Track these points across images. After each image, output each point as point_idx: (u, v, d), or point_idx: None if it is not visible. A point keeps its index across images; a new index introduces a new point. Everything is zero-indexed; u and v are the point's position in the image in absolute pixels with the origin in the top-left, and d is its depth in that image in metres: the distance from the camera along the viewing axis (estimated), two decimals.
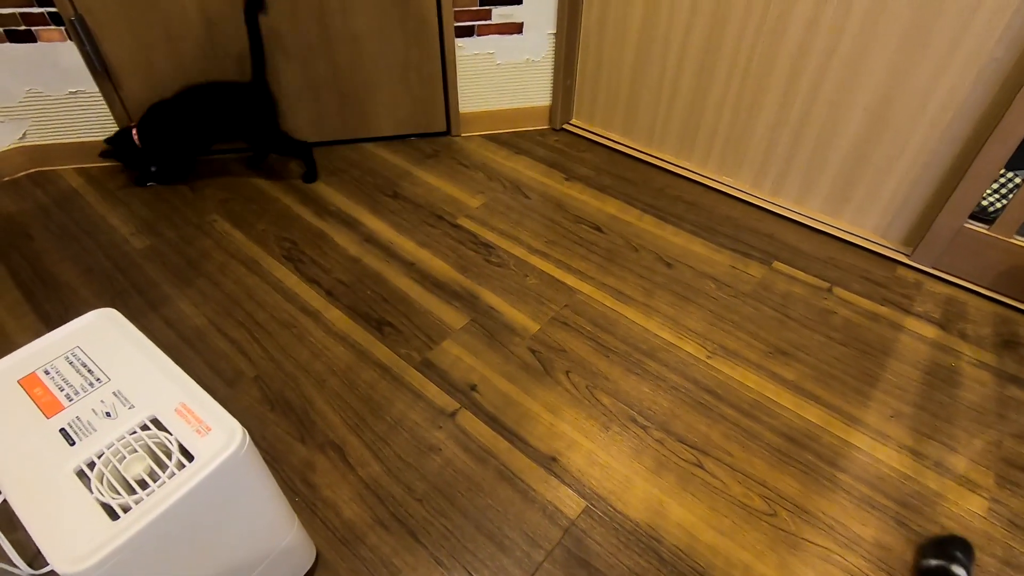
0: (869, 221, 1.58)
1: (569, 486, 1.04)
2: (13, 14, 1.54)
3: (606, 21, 1.78)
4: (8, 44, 1.58)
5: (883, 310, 1.39)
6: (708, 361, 1.27)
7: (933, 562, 0.92)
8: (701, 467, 1.08)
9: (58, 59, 1.63)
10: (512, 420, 1.15)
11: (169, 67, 1.70)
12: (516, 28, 1.84)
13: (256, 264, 1.49)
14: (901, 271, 1.51)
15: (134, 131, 1.62)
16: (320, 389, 1.19)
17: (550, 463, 1.08)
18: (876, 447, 1.11)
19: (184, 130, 1.64)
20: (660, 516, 1.00)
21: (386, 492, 1.03)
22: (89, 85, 1.69)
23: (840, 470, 1.08)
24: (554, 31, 1.85)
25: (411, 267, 1.49)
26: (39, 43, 1.60)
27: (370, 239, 1.58)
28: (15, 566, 0.86)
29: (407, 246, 1.56)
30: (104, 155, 1.67)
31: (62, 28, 1.58)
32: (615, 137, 1.99)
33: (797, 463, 1.08)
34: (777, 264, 1.52)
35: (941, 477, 1.07)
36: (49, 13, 1.56)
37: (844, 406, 1.19)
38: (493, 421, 1.14)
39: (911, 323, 1.36)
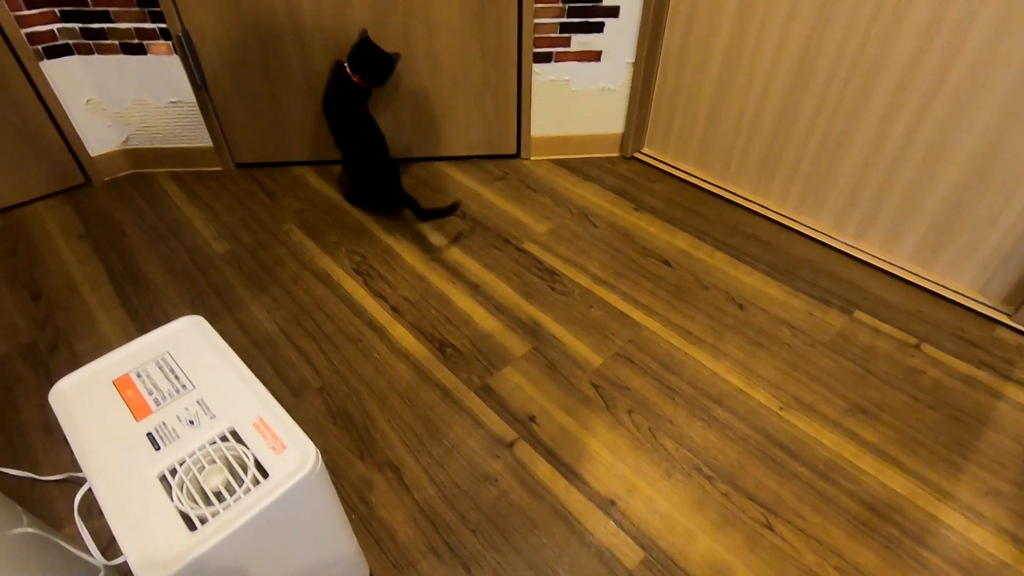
0: (965, 275, 1.47)
1: (627, 533, 1.00)
2: (129, 29, 1.67)
3: (687, 52, 1.75)
4: (122, 56, 1.71)
5: (980, 374, 1.28)
6: (780, 413, 1.20)
7: None
8: (770, 528, 1.01)
9: (163, 71, 1.75)
10: (571, 456, 1.12)
11: (263, 85, 1.79)
12: (594, 56, 1.84)
13: (327, 275, 1.53)
14: (1001, 332, 1.39)
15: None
16: (381, 406, 1.20)
17: (608, 506, 1.04)
18: (970, 527, 1.02)
19: None
20: None
21: (440, 519, 1.02)
22: (188, 96, 1.80)
23: (927, 549, 0.99)
24: (632, 60, 1.84)
25: (476, 289, 1.49)
26: (148, 55, 1.72)
27: (437, 258, 1.59)
28: (90, 554, 0.90)
29: (472, 267, 1.56)
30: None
31: (169, 43, 1.70)
32: (688, 169, 1.94)
33: (878, 536, 1.00)
34: (859, 314, 1.44)
35: None
36: (160, 28, 1.67)
37: (933, 477, 1.09)
38: (551, 456, 1.12)
39: (1012, 391, 1.25)
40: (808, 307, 1.45)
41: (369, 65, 1.60)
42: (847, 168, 1.55)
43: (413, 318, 1.41)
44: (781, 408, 1.21)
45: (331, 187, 1.88)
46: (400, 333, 1.37)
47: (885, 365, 1.31)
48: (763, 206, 1.78)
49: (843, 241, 1.64)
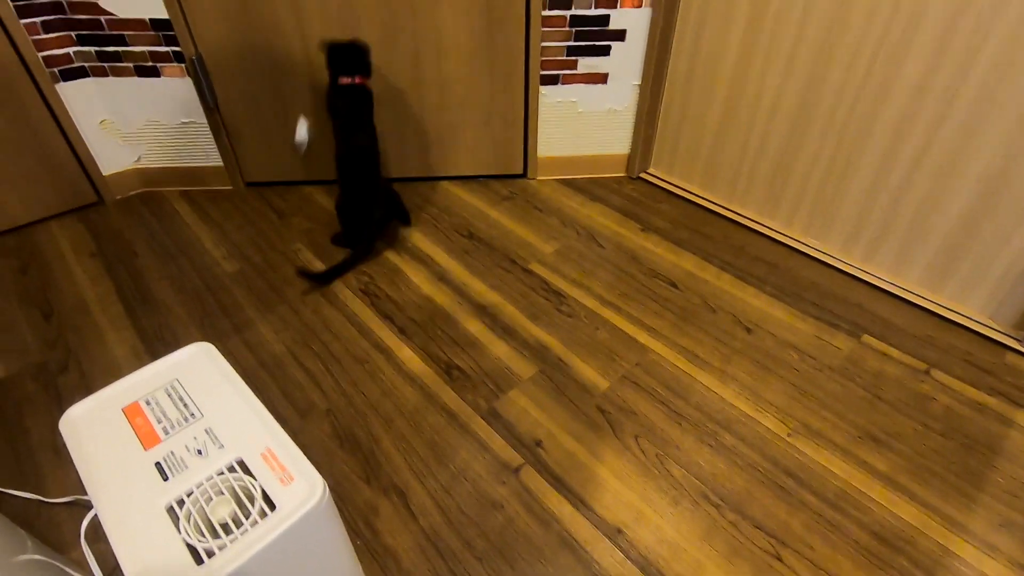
0: (975, 299, 1.46)
1: (634, 562, 0.99)
2: (143, 52, 1.70)
3: (693, 75, 1.77)
4: (136, 78, 1.74)
5: (991, 401, 1.27)
6: (788, 440, 1.19)
7: None
8: (779, 559, 1.00)
9: (176, 93, 1.78)
10: (577, 483, 1.11)
11: (273, 106, 1.82)
12: (601, 78, 1.86)
13: (334, 295, 1.54)
14: (1011, 358, 1.37)
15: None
16: (387, 429, 1.20)
17: (616, 535, 1.03)
18: (983, 560, 1.00)
19: None
20: None
21: (446, 546, 1.01)
22: (200, 117, 1.83)
23: None
24: (639, 82, 1.86)
25: (482, 311, 1.50)
26: (162, 77, 1.75)
27: (443, 278, 1.60)
28: None
29: (479, 288, 1.57)
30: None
31: (183, 65, 1.73)
32: (694, 190, 1.95)
33: (889, 568, 0.99)
34: (867, 338, 1.43)
35: None
36: (173, 52, 1.70)
37: (944, 507, 1.08)
38: (558, 482, 1.11)
39: None
40: (816, 331, 1.44)
41: (357, 60, 1.57)
42: (855, 190, 1.55)
43: (420, 340, 1.41)
44: (789, 435, 1.20)
45: None
46: (407, 355, 1.37)
47: (895, 391, 1.29)
48: (770, 227, 1.78)
49: (851, 264, 1.64)
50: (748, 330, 1.44)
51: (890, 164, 1.46)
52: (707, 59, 1.71)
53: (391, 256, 1.68)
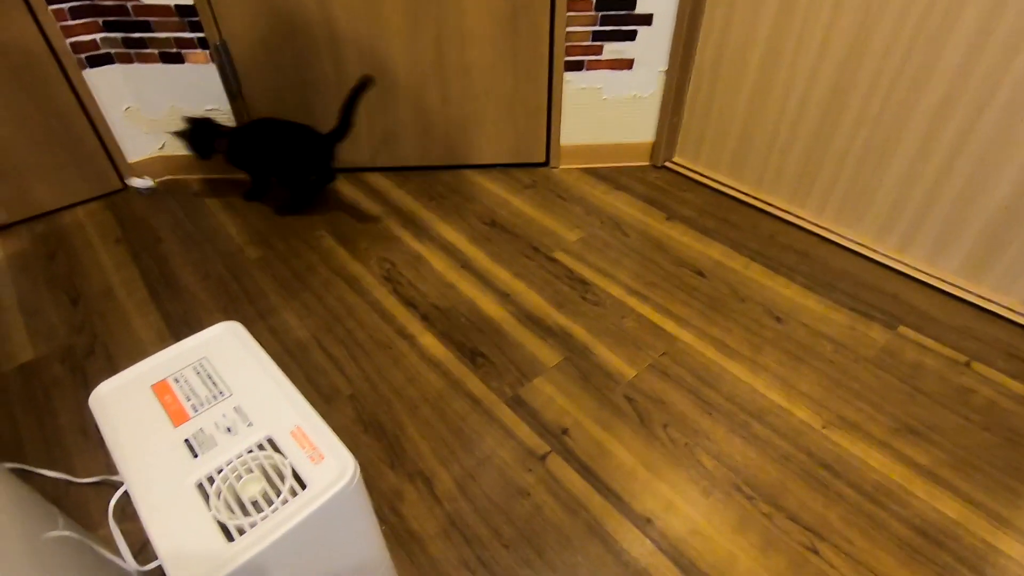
0: (1017, 290, 1.40)
1: (666, 553, 0.97)
2: (168, 38, 1.70)
3: (722, 60, 1.72)
4: (160, 64, 1.75)
5: None
6: (823, 431, 1.16)
7: None
8: (816, 552, 0.97)
9: (200, 79, 1.78)
10: (605, 472, 1.09)
11: (297, 94, 1.81)
12: (627, 64, 1.82)
13: (357, 282, 1.53)
14: None
15: (222, 140, 1.70)
16: (412, 415, 1.19)
17: (645, 525, 1.01)
18: None
19: (251, 159, 1.75)
20: None
21: (472, 533, 0.99)
22: (224, 104, 1.83)
23: None
24: (665, 68, 1.82)
25: (505, 298, 1.48)
26: (186, 64, 1.75)
27: (467, 266, 1.58)
28: (122, 559, 0.90)
29: (502, 276, 1.55)
30: (181, 134, 1.72)
31: (207, 51, 1.73)
32: (720, 178, 1.91)
33: (933, 564, 0.95)
34: (903, 329, 1.38)
35: None
36: (198, 38, 1.70)
37: (989, 503, 1.04)
38: (585, 470, 1.09)
39: None
40: (850, 321, 1.40)
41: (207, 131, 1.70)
42: (890, 179, 1.51)
43: (443, 326, 1.39)
44: (824, 426, 1.16)
45: (362, 194, 1.89)
46: (430, 341, 1.35)
47: (934, 383, 1.25)
48: (799, 216, 1.73)
49: (884, 253, 1.59)
50: (779, 320, 1.41)
51: (929, 150, 1.41)
52: (736, 43, 1.67)
53: (413, 243, 1.66)
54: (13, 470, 1.10)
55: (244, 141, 1.71)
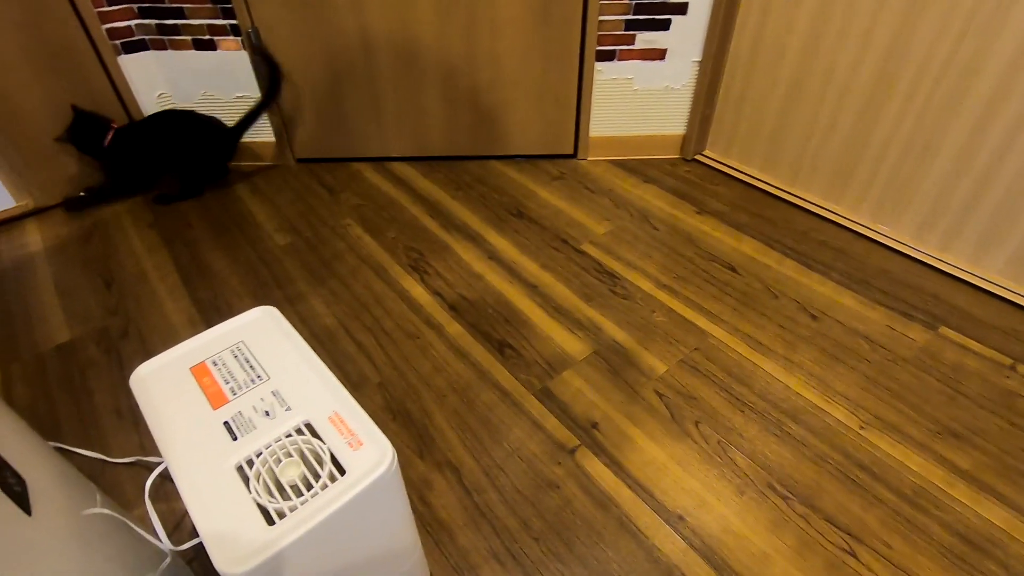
0: None
1: (697, 551, 0.95)
2: (201, 25, 1.71)
3: (758, 49, 1.68)
4: (193, 51, 1.76)
5: None
6: (861, 432, 1.13)
7: None
8: (854, 556, 0.94)
9: (231, 67, 1.79)
10: (636, 467, 1.07)
11: (325, 81, 1.81)
12: (659, 54, 1.79)
13: (384, 271, 1.53)
14: None
15: (111, 132, 1.67)
16: (440, 405, 1.18)
17: (677, 522, 0.99)
18: None
19: (151, 152, 1.73)
20: None
21: (502, 524, 0.99)
22: (254, 92, 1.84)
23: None
24: (699, 58, 1.78)
25: (534, 290, 1.46)
26: (218, 51, 1.76)
27: (494, 256, 1.57)
28: (158, 538, 0.91)
29: (530, 267, 1.53)
30: (63, 138, 1.69)
31: (239, 39, 1.73)
32: (753, 172, 1.87)
33: (977, 571, 0.92)
34: (944, 330, 1.34)
35: None
36: (231, 25, 1.71)
37: None
38: (615, 465, 1.07)
39: None
40: (888, 320, 1.36)
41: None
42: (934, 174, 1.46)
43: (471, 317, 1.39)
44: (862, 427, 1.13)
45: (389, 183, 1.88)
46: (458, 331, 1.35)
47: (976, 386, 1.21)
48: (835, 212, 1.69)
49: (924, 252, 1.54)
50: (814, 317, 1.37)
51: (977, 145, 1.36)
52: (774, 33, 1.62)
53: (441, 234, 1.66)
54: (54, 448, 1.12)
55: (144, 133, 1.71)
